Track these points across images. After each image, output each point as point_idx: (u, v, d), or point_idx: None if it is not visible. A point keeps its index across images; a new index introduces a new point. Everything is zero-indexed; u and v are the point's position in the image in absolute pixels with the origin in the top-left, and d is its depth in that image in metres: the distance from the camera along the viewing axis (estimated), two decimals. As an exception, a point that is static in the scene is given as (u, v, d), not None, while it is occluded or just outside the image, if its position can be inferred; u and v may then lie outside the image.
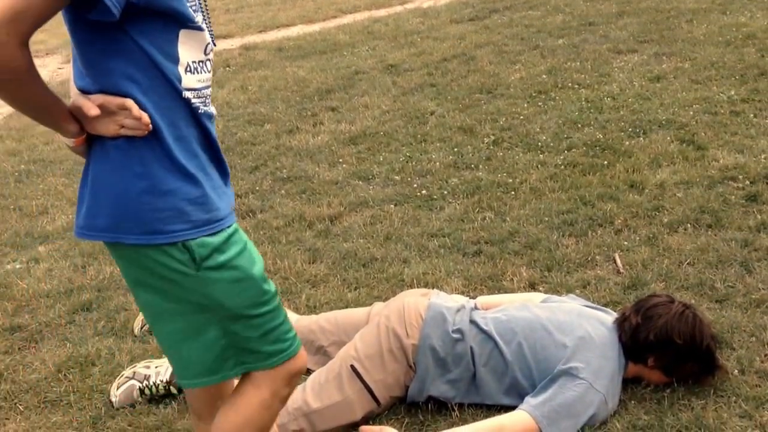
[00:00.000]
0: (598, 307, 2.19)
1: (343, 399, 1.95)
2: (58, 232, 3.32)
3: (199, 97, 1.33)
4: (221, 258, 1.34)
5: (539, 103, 4.17)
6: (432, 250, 2.81)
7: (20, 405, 2.21)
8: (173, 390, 2.16)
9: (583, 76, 4.49)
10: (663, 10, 5.62)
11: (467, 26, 6.00)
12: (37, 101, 1.24)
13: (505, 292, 2.50)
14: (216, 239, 1.34)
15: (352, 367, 1.97)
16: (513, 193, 3.20)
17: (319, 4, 7.83)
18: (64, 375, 2.31)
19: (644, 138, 3.55)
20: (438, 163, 3.57)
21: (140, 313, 2.51)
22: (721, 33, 4.90)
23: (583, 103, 4.07)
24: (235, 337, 1.40)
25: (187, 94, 1.30)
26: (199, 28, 1.30)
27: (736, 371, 2.00)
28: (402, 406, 2.03)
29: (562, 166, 3.37)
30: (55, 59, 6.52)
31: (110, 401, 2.17)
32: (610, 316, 2.09)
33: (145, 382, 2.16)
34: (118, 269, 1.45)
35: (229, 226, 1.37)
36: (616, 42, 5.03)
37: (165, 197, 1.30)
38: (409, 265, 2.71)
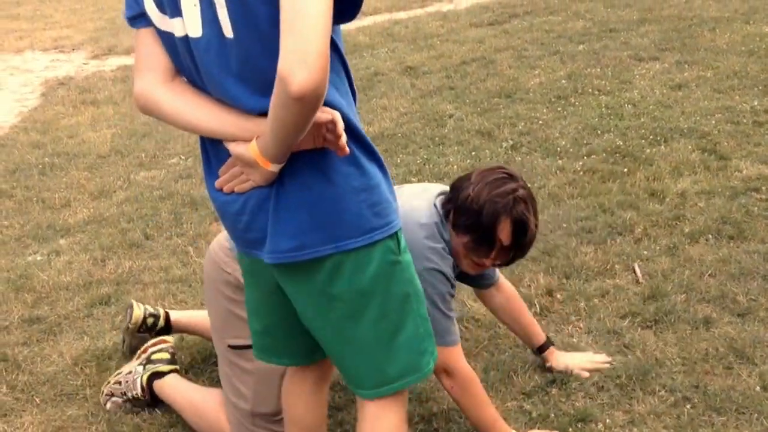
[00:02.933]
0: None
1: None
2: (79, 225, 3.34)
3: None
4: (404, 240, 1.36)
5: (558, 109, 4.15)
6: (449, 254, 2.80)
7: (37, 397, 2.23)
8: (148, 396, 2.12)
9: (603, 82, 4.46)
10: (685, 18, 5.58)
11: (487, 30, 5.98)
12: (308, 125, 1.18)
13: (523, 299, 2.48)
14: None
15: None
16: (531, 198, 3.18)
17: (339, 5, 7.82)
18: (81, 368, 2.33)
19: (665, 146, 3.52)
20: (455, 166, 3.55)
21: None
22: (744, 42, 4.85)
23: (603, 109, 4.05)
24: (426, 322, 1.40)
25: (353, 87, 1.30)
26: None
27: (758, 388, 1.98)
28: (416, 411, 2.03)
29: (581, 172, 3.35)
30: (80, 55, 6.55)
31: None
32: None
33: (124, 396, 2.13)
34: (292, 293, 1.36)
35: None
36: (637, 49, 5.00)
37: (377, 190, 1.28)
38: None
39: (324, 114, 1.18)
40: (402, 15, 7.13)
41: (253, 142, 1.23)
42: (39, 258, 3.07)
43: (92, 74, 5.90)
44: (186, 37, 1.24)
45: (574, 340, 2.27)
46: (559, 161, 3.50)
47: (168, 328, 2.31)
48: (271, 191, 1.26)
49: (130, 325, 2.28)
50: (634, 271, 2.57)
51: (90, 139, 4.42)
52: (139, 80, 1.30)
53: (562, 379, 2.10)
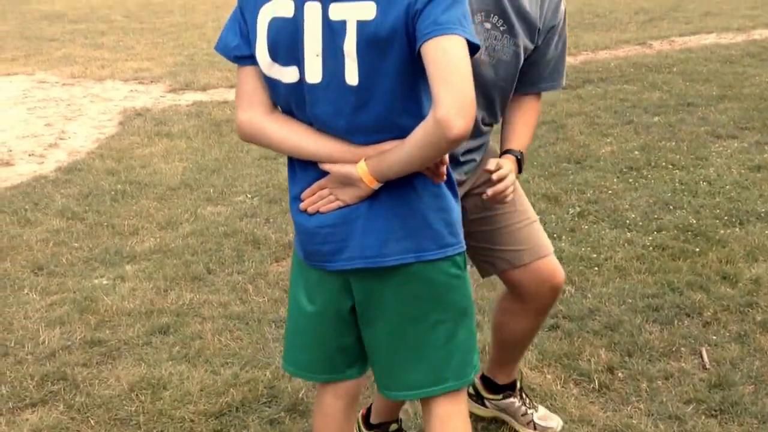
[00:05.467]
0: None
1: None
2: (145, 253, 3.44)
3: None
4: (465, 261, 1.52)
5: (630, 180, 4.08)
6: (508, 318, 2.75)
7: (92, 419, 2.27)
8: None
9: (678, 156, 4.38)
10: (767, 97, 5.45)
11: (559, 94, 5.97)
12: None
13: (581, 374, 2.41)
14: None
15: None
16: (596, 269, 3.11)
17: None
18: (136, 395, 2.37)
19: (740, 228, 3.40)
20: (519, 229, 3.52)
21: None
22: (829, 127, 4.70)
23: (677, 184, 3.96)
24: (474, 337, 1.54)
25: None
26: None
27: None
28: None
29: (651, 248, 3.26)
30: (158, 87, 6.84)
31: None
32: None
33: None
34: (360, 295, 1.48)
35: None
36: (715, 126, 4.90)
37: (451, 212, 1.45)
38: (482, 331, 2.66)
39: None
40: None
41: (361, 162, 1.37)
42: (105, 282, 3.17)
43: (168, 107, 6.14)
44: (297, 84, 1.38)
45: (634, 421, 2.17)
46: (628, 234, 3.42)
47: None
48: (362, 204, 1.41)
49: None
50: (701, 356, 2.47)
51: (161, 171, 4.58)
52: (245, 113, 1.44)
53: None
